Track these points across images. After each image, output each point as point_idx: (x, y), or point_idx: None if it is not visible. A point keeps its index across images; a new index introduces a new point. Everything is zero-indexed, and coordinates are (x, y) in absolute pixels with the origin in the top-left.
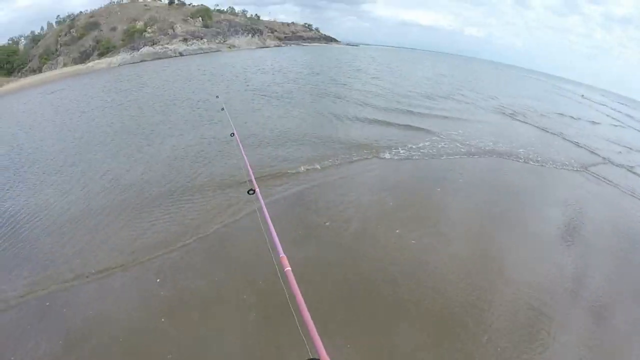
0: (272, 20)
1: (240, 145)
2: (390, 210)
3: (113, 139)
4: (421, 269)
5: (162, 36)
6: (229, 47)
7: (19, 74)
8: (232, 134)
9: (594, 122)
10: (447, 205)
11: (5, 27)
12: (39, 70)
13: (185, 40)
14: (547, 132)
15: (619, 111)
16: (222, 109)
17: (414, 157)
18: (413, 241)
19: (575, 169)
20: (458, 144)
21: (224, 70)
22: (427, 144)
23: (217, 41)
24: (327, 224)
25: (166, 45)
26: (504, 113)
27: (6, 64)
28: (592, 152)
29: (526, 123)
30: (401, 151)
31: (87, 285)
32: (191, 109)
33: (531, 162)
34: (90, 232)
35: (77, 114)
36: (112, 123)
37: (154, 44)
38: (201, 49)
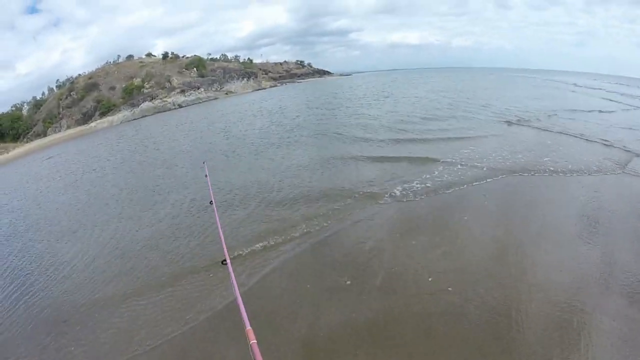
0: (265, 61)
1: (217, 215)
2: (417, 254)
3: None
4: (466, 323)
5: (160, 90)
6: (226, 94)
7: (25, 139)
8: (211, 202)
9: (604, 111)
10: (480, 235)
11: (8, 94)
12: (43, 134)
13: (182, 91)
14: (562, 133)
15: (618, 92)
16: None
17: (429, 189)
18: (450, 288)
19: (611, 172)
20: (475, 164)
21: (220, 118)
22: (440, 169)
23: (213, 89)
24: (348, 282)
25: (165, 99)
26: (509, 121)
27: (11, 130)
28: (618, 146)
29: (537, 128)
30: (416, 185)
31: None
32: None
33: (560, 174)
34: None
35: (80, 175)
36: (113, 186)
37: (152, 98)
38: (199, 98)
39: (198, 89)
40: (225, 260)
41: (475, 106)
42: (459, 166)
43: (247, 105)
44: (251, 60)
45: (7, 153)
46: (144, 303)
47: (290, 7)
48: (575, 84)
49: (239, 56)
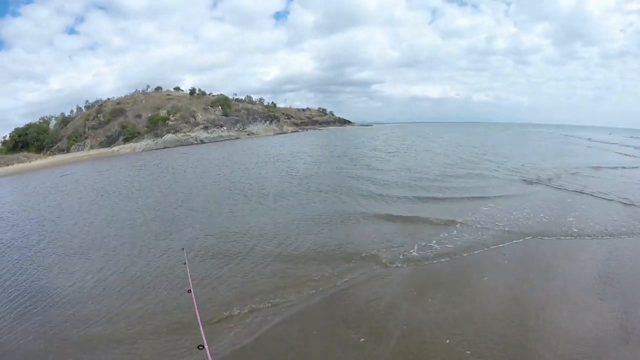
0: (288, 106)
1: (195, 304)
2: (435, 314)
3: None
4: None
5: (184, 124)
6: (248, 134)
7: (48, 152)
8: (189, 290)
9: (627, 167)
10: (499, 298)
11: (38, 106)
12: (67, 150)
13: (206, 128)
14: (585, 193)
15: (633, 146)
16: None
17: (448, 250)
18: (468, 352)
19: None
20: (496, 225)
21: (241, 158)
22: (459, 228)
23: (236, 129)
24: (362, 339)
25: (188, 133)
26: (530, 180)
27: (36, 141)
28: None
29: (558, 187)
30: (434, 245)
31: None
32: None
33: (586, 237)
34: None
35: (100, 194)
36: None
37: (176, 131)
38: (221, 136)
39: (221, 127)
40: (202, 345)
41: (494, 163)
42: (478, 226)
43: (269, 148)
44: (275, 104)
45: (29, 162)
46: (148, 343)
47: (317, 55)
48: (590, 139)
49: (263, 99)
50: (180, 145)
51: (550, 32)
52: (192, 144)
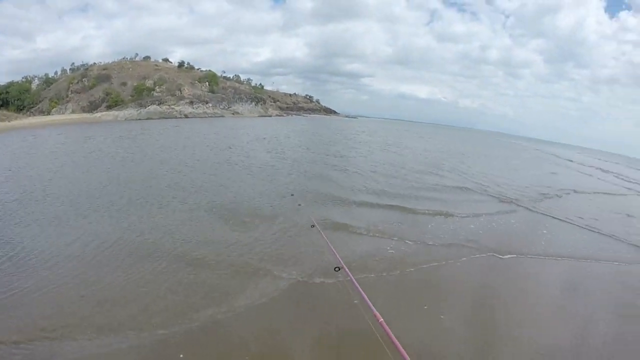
0: (275, 90)
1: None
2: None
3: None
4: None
5: (170, 97)
6: (233, 114)
7: (28, 112)
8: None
9: (609, 193)
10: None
11: (21, 64)
12: (47, 112)
13: (191, 102)
14: (572, 224)
15: (620, 176)
16: None
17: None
18: (442, 316)
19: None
20: (460, 239)
21: (226, 139)
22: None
23: (221, 107)
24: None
25: (172, 106)
26: (509, 199)
27: (17, 100)
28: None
29: (537, 212)
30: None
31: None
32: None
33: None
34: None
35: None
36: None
37: (160, 103)
38: (206, 112)
39: (207, 103)
40: (338, 267)
41: (473, 175)
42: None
43: (256, 129)
44: (262, 86)
45: (8, 122)
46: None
47: (310, 41)
48: (556, 155)
49: (251, 80)
50: (163, 118)
51: (544, 49)
52: (175, 117)
